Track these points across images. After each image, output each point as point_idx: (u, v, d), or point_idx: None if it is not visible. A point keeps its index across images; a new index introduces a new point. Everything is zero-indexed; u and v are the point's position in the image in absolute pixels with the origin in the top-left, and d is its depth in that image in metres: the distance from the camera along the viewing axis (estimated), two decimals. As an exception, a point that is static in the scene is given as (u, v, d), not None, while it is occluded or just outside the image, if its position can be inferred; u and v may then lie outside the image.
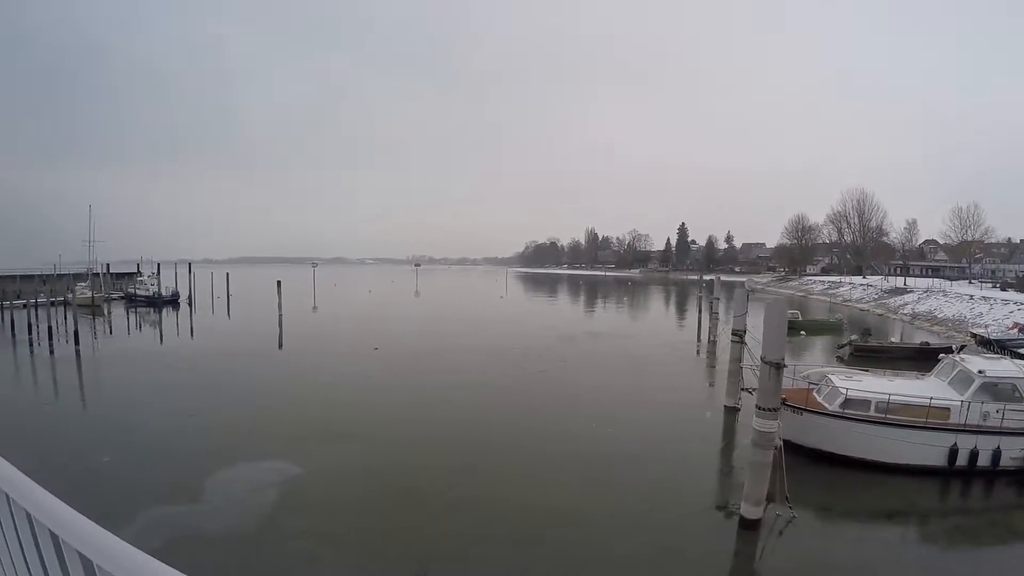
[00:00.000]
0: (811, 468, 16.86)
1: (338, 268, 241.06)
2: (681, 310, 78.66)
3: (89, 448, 18.89)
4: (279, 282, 52.59)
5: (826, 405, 18.68)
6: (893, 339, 44.29)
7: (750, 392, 18.98)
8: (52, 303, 47.56)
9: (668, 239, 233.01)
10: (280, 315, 49.83)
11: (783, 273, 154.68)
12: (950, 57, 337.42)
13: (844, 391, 18.55)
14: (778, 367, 13.90)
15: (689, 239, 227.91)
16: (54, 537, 1.84)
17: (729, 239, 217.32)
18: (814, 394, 19.63)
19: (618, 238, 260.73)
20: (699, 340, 43.38)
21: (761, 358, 14.23)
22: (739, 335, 24.05)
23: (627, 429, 21.83)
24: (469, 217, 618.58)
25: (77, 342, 38.28)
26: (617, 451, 19.33)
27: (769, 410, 13.78)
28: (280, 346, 41.91)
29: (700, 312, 48.96)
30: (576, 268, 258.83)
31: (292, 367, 34.27)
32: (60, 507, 1.84)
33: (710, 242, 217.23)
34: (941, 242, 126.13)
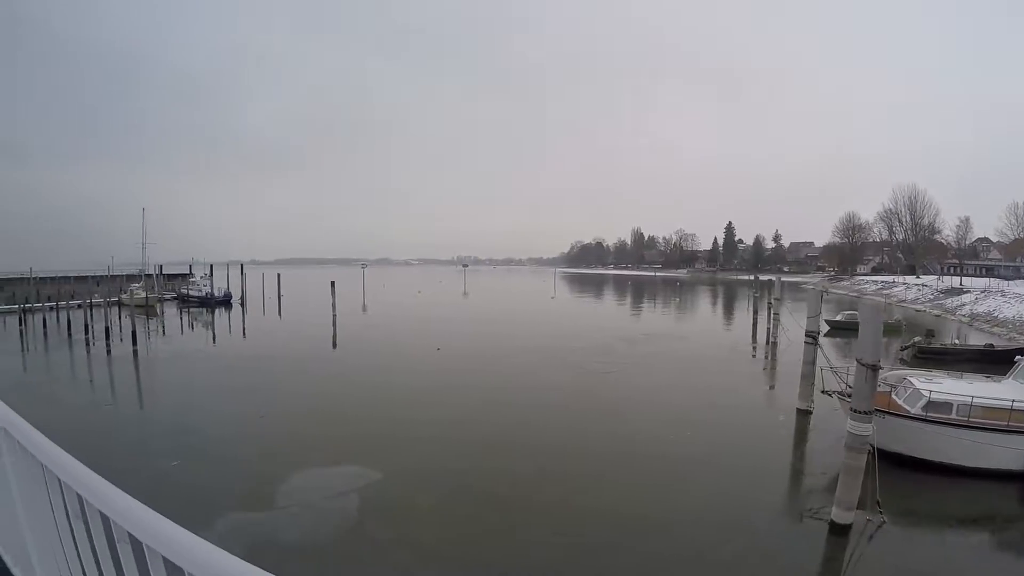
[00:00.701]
0: (893, 472, 15.74)
1: (384, 269, 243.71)
2: (732, 310, 77.26)
3: (156, 451, 18.64)
4: (333, 283, 52.81)
5: (907, 408, 18.09)
6: (956, 340, 42.64)
7: (830, 395, 19.24)
8: (106, 303, 48.34)
9: (715, 238, 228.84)
10: (334, 315, 49.87)
11: (832, 273, 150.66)
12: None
13: (927, 394, 17.98)
14: (874, 369, 13.67)
15: (736, 238, 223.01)
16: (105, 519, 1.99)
17: (777, 238, 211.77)
18: (893, 397, 18.98)
19: (664, 238, 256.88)
20: (754, 341, 42.71)
21: (857, 360, 13.96)
22: (813, 336, 23.41)
23: (701, 432, 21.28)
24: (513, 217, 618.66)
25: (135, 342, 38.72)
26: (694, 455, 18.89)
27: (863, 413, 13.62)
28: (334, 346, 41.78)
29: (755, 313, 47.77)
30: (622, 268, 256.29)
31: (351, 368, 33.95)
32: (110, 489, 1.95)
33: (757, 241, 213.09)
34: (995, 240, 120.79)
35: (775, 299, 39.49)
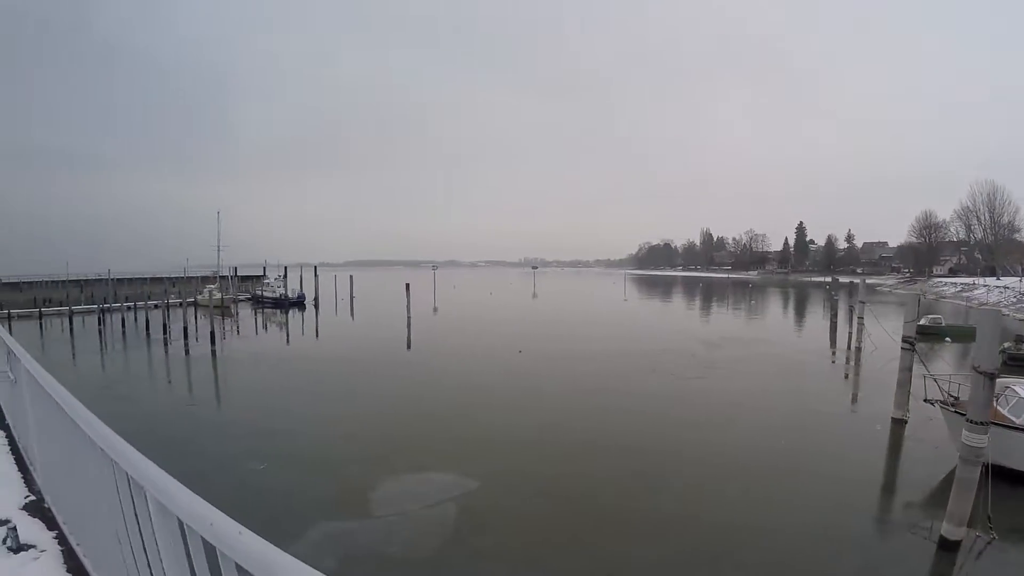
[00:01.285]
0: (1000, 487, 13.93)
1: (452, 271, 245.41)
2: (807, 314, 74.87)
3: (241, 454, 18.25)
4: (407, 285, 52.87)
5: (1012, 419, 16.91)
6: None
7: (932, 404, 18.43)
8: (181, 304, 49.20)
9: (786, 239, 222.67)
10: (409, 317, 49.87)
11: (908, 274, 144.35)
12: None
13: None
14: (992, 378, 12.91)
15: (807, 238, 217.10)
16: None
17: (850, 238, 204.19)
18: (997, 406, 17.16)
19: (734, 238, 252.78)
20: (833, 346, 40.81)
21: (973, 367, 13.13)
22: (910, 342, 22.35)
23: (796, 441, 20.37)
24: (580, 218, 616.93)
25: (213, 342, 39.08)
26: (792, 464, 18.00)
27: (979, 424, 12.89)
28: (408, 347, 41.37)
29: (834, 316, 45.96)
30: (691, 270, 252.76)
31: (429, 369, 33.37)
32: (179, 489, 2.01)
33: (829, 241, 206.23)
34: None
35: (860, 302, 37.83)
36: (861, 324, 36.69)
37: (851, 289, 43.22)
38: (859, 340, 36.64)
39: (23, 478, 5.51)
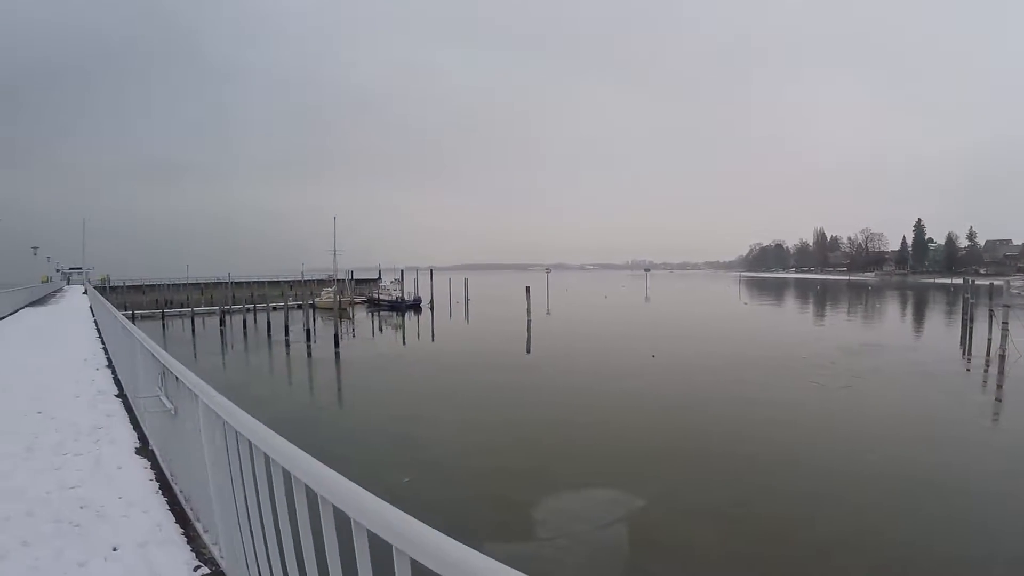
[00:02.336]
0: None
1: (560, 273, 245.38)
2: (929, 317, 70.54)
3: (381, 464, 17.70)
4: (528, 288, 52.85)
5: None
6: None
7: None
8: (300, 306, 50.78)
9: (903, 237, 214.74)
10: (529, 320, 49.91)
11: None
12: None
13: None
14: None
15: (926, 237, 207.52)
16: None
17: (971, 236, 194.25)
18: None
19: (849, 238, 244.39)
20: (968, 353, 37.46)
21: None
22: None
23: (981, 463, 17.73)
24: (688, 219, 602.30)
25: (336, 345, 40.09)
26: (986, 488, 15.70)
27: None
28: (528, 351, 40.68)
29: (970, 321, 43.10)
30: (804, 271, 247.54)
31: (554, 374, 32.20)
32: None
33: (950, 240, 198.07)
34: None
35: (1003, 305, 34.67)
36: (1005, 330, 33.70)
37: (991, 291, 39.43)
38: (1003, 347, 33.60)
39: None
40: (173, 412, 4.93)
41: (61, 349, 15.43)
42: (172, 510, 4.86)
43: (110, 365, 12.10)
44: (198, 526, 4.48)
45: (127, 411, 8.12)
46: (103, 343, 15.71)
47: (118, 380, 10.36)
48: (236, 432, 2.94)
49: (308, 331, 42.78)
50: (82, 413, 8.02)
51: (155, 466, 5.91)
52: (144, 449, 6.52)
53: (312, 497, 2.14)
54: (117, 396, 9.15)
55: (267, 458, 2.52)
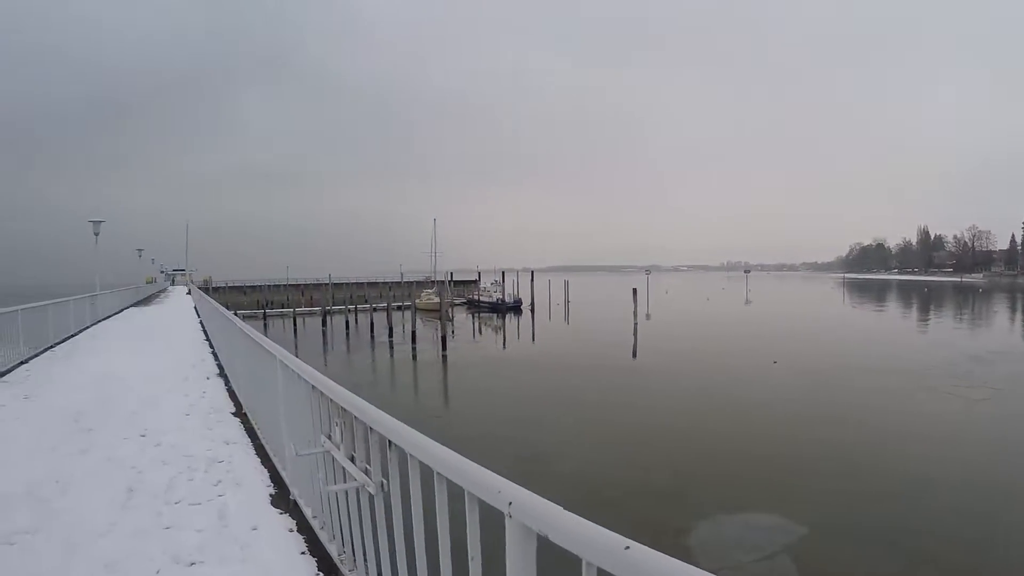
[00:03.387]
0: None
1: (656, 275, 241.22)
2: None
3: (514, 477, 15.71)
4: (635, 290, 51.58)
5: None
6: None
7: None
8: (400, 308, 50.58)
9: (1012, 236, 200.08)
10: (635, 323, 48.36)
11: None
12: None
13: None
14: None
15: None
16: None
17: None
18: None
19: (955, 236, 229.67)
20: None
21: None
22: None
23: None
24: (784, 219, 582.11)
25: (444, 347, 39.50)
26: None
27: None
28: (634, 355, 38.53)
29: None
30: (907, 272, 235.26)
31: (668, 379, 30.17)
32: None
33: None
34: None
35: None
36: None
37: None
38: None
39: None
40: (373, 491, 2.94)
41: (166, 352, 14.84)
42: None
43: (222, 374, 11.02)
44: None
45: (249, 436, 6.70)
46: (211, 347, 14.87)
47: (232, 392, 9.25)
48: None
49: (413, 333, 42.48)
50: (195, 438, 6.63)
51: (304, 526, 4.34)
52: (283, 499, 4.96)
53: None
54: (235, 415, 7.87)
55: None
